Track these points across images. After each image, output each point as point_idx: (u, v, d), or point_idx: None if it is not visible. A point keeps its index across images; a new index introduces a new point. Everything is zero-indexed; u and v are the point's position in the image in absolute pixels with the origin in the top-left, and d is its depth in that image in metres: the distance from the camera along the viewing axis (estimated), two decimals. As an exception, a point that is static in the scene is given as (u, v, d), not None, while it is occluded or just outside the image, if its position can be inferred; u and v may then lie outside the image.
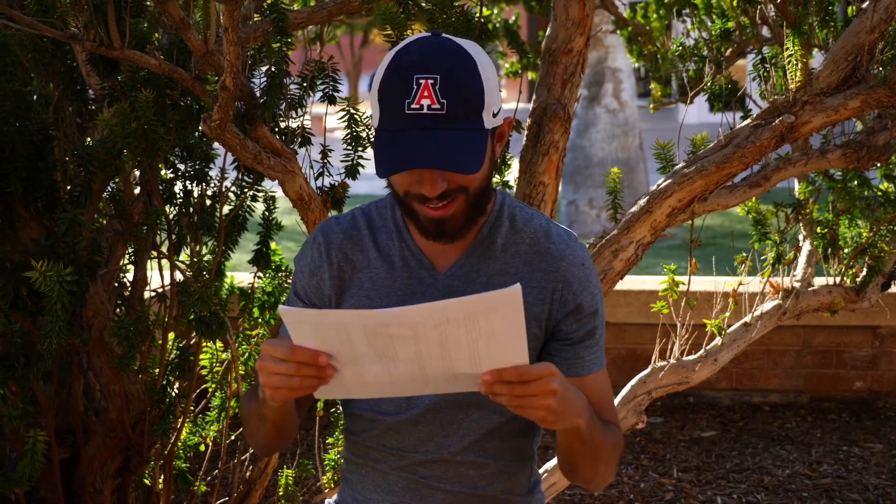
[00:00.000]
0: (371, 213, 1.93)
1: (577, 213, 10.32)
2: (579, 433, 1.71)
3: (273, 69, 2.49)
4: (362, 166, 2.73)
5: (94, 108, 2.93)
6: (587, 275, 1.87)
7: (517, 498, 1.94)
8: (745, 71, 3.37)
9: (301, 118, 2.74)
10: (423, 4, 2.67)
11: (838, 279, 3.41)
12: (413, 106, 1.69)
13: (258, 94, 2.49)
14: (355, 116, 2.68)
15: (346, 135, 2.70)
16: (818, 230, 3.42)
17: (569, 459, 1.81)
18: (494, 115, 1.76)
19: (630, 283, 4.95)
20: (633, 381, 3.12)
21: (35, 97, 2.74)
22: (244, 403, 1.92)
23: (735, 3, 3.72)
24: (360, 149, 2.72)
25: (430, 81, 1.69)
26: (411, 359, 1.58)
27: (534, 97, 2.90)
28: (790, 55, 2.82)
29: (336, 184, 2.77)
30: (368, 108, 1.94)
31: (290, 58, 2.67)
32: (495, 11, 5.45)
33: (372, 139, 2.72)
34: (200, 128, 2.32)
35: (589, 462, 1.80)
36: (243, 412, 1.93)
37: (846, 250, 3.42)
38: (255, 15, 2.73)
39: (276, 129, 2.66)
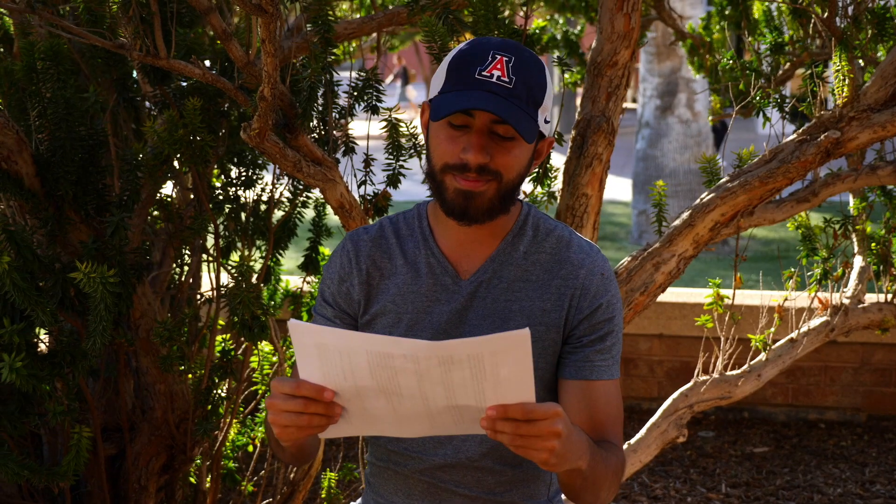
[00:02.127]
0: (398, 222, 1.99)
1: (647, 222, 10.27)
2: (580, 473, 1.73)
3: (313, 80, 2.53)
4: (403, 175, 2.77)
5: (152, 113, 3.01)
6: (606, 284, 1.90)
7: (535, 505, 1.96)
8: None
9: (345, 127, 2.79)
10: (464, 19, 2.70)
11: (890, 297, 3.36)
12: (484, 73, 1.78)
13: (299, 105, 2.54)
14: (397, 127, 2.71)
15: (388, 144, 2.74)
16: (872, 246, 3.38)
17: (571, 490, 1.82)
18: (546, 122, 1.85)
19: (686, 295, 4.92)
20: (675, 395, 3.11)
21: (92, 102, 2.82)
22: (267, 424, 1.95)
23: (792, 17, 3.70)
24: (401, 158, 2.76)
25: (505, 58, 1.79)
26: (415, 395, 1.56)
27: (578, 109, 2.91)
28: (837, 70, 2.79)
29: (378, 192, 2.81)
30: (416, 117, 1.98)
31: (349, 67, 2.72)
32: (560, 21, 5.47)
33: (416, 145, 2.76)
34: (241, 136, 2.38)
35: (591, 492, 1.81)
36: (267, 431, 1.97)
37: (899, 268, 3.36)
38: (309, 26, 2.78)
39: (319, 138, 2.71)
